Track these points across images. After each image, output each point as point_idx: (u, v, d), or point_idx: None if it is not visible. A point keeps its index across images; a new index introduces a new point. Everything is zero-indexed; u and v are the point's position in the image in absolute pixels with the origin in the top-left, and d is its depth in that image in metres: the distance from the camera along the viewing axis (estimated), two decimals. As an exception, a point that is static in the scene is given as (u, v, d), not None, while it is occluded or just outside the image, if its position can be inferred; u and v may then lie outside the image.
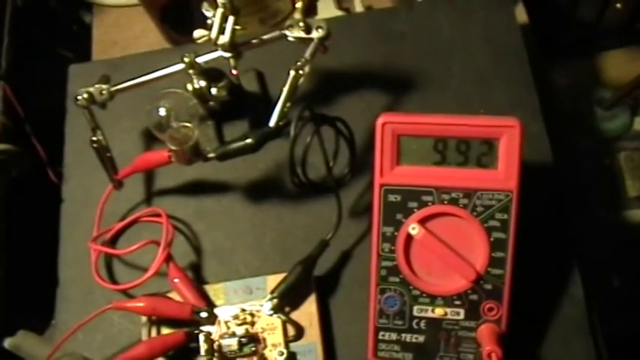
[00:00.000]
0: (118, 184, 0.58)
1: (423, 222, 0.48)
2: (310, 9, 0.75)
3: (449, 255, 0.48)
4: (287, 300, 0.52)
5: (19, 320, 0.66)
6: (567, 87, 0.95)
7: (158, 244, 0.54)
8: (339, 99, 0.62)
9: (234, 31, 0.52)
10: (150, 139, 0.63)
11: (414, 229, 0.48)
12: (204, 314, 0.52)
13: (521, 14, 0.72)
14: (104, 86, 0.56)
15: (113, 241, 0.60)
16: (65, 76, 0.68)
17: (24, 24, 0.84)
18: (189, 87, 0.55)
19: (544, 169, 0.57)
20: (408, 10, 0.65)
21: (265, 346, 0.52)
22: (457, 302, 0.49)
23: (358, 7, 0.74)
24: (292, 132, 0.49)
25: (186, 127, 0.51)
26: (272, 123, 0.50)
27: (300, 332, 0.52)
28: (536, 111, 0.59)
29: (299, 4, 0.53)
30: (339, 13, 0.74)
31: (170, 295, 0.54)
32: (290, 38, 0.53)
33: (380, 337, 0.50)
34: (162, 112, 0.51)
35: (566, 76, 0.95)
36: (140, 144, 0.63)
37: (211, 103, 0.57)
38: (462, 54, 0.62)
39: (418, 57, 0.63)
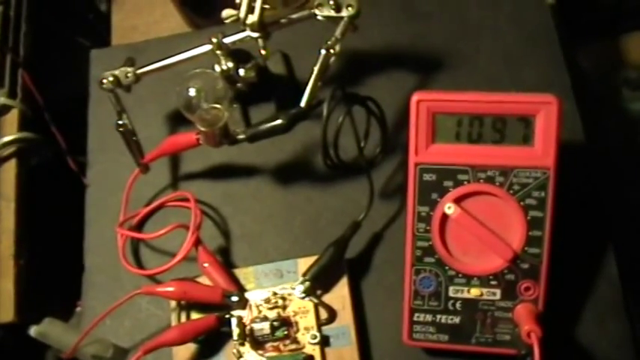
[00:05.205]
0: (145, 168, 0.58)
1: (458, 201, 0.47)
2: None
3: (485, 234, 0.47)
4: (319, 283, 0.52)
5: (42, 308, 0.65)
6: (592, 68, 0.94)
7: (187, 228, 0.53)
8: (367, 79, 0.61)
9: (263, 10, 0.51)
10: (173, 124, 0.63)
11: (449, 208, 0.47)
12: (235, 298, 0.52)
13: (547, -7, 0.71)
14: (129, 69, 0.56)
15: (139, 226, 0.59)
16: (83, 64, 0.68)
17: (41, 12, 0.84)
18: (217, 68, 0.54)
19: (576, 149, 0.56)
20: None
21: (297, 330, 0.51)
22: (493, 282, 0.48)
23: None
24: (325, 111, 0.48)
25: (217, 108, 0.50)
26: (303, 103, 0.49)
27: (332, 315, 0.52)
28: (568, 90, 0.58)
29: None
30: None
31: (199, 280, 0.54)
32: (319, 17, 0.52)
33: (415, 318, 0.49)
34: (193, 92, 0.50)
35: (591, 57, 0.94)
36: (164, 129, 0.63)
37: (238, 84, 0.56)
38: (491, 33, 0.61)
39: (446, 36, 0.62)
